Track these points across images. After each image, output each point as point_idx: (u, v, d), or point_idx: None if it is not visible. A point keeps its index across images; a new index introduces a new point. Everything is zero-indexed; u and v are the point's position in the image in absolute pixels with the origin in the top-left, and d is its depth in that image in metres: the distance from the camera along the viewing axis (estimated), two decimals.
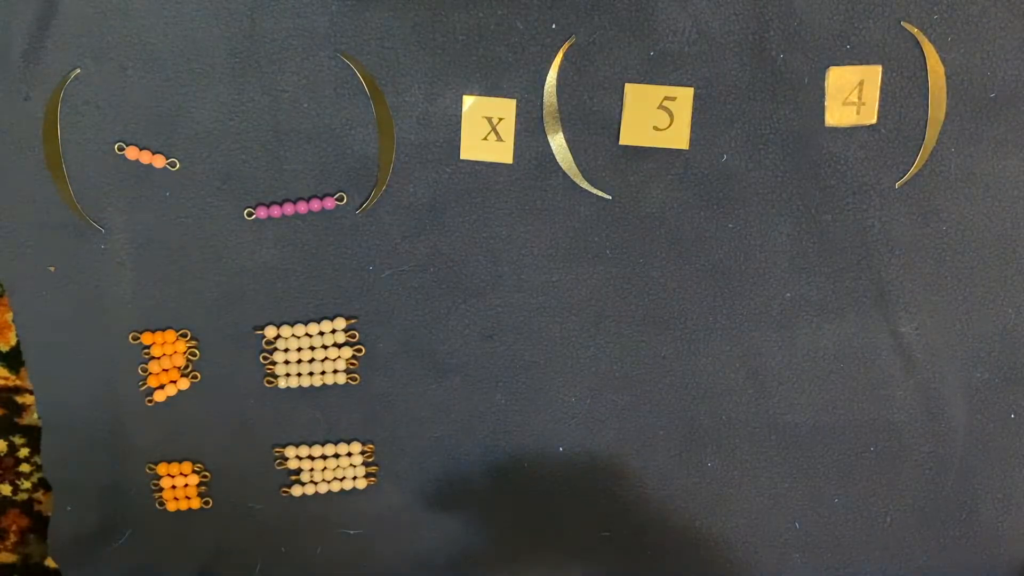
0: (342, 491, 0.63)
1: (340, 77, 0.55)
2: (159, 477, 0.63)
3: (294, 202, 0.57)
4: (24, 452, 0.70)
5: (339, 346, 0.60)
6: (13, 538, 0.73)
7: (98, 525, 0.64)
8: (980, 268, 0.56)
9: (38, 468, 0.70)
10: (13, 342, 0.65)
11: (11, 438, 0.69)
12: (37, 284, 0.59)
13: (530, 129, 0.55)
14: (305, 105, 0.55)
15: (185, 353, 0.60)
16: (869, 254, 0.55)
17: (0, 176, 0.57)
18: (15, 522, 0.72)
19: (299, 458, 0.62)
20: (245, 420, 0.61)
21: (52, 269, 0.59)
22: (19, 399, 0.67)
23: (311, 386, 0.61)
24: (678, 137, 0.54)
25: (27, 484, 0.71)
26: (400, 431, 0.61)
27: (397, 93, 0.55)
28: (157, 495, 0.63)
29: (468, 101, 0.54)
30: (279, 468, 0.62)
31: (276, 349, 0.60)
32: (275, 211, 0.57)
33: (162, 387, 0.61)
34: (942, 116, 0.53)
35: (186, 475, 0.62)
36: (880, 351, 0.57)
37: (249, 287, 0.59)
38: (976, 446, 0.59)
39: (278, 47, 0.54)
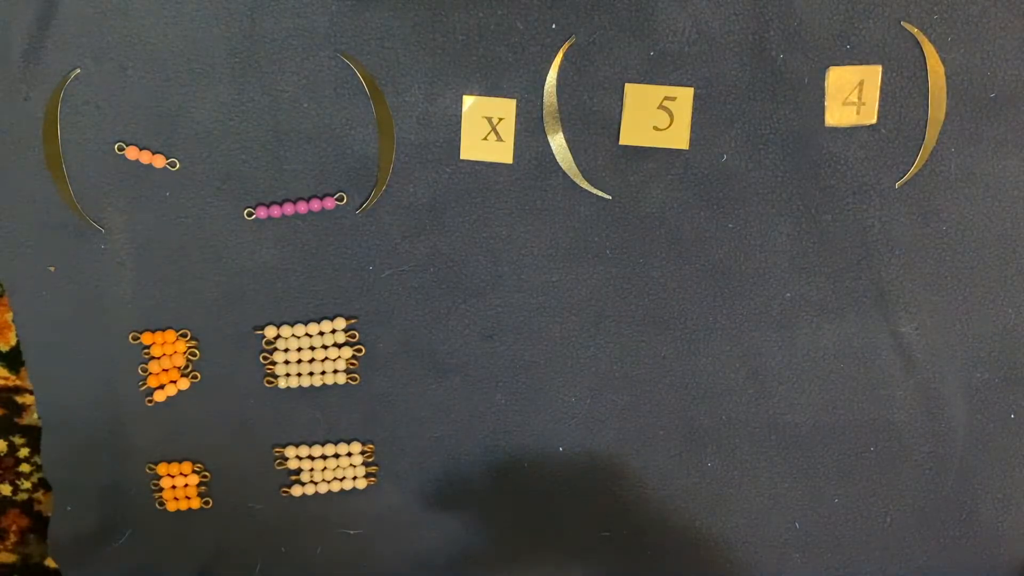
0: (342, 491, 0.62)
1: (340, 77, 0.54)
2: (159, 477, 0.63)
3: (294, 202, 0.57)
4: (24, 452, 0.70)
5: (339, 346, 0.60)
6: (13, 538, 0.73)
7: (98, 525, 0.64)
8: (980, 268, 0.56)
9: (38, 468, 0.70)
10: (13, 342, 0.65)
11: (11, 438, 0.69)
12: (37, 284, 0.59)
13: (530, 129, 0.55)
14: (305, 105, 0.55)
15: (185, 353, 0.60)
16: (869, 254, 0.55)
17: (0, 176, 0.57)
18: (15, 522, 0.72)
19: (299, 458, 0.62)
20: (245, 420, 0.61)
21: (52, 269, 0.59)
22: (19, 399, 0.67)
23: (311, 386, 0.60)
24: (678, 137, 0.54)
25: (27, 484, 0.71)
26: (400, 431, 0.61)
27: (397, 93, 0.55)
28: (157, 495, 0.63)
29: (468, 101, 0.54)
30: (279, 468, 0.62)
31: (276, 349, 0.60)
32: (275, 211, 0.57)
33: (162, 387, 0.61)
34: (942, 116, 0.53)
35: (186, 475, 0.62)
36: (880, 351, 0.57)
37: (249, 287, 0.59)
38: (976, 446, 0.59)
39: (278, 47, 0.54)
